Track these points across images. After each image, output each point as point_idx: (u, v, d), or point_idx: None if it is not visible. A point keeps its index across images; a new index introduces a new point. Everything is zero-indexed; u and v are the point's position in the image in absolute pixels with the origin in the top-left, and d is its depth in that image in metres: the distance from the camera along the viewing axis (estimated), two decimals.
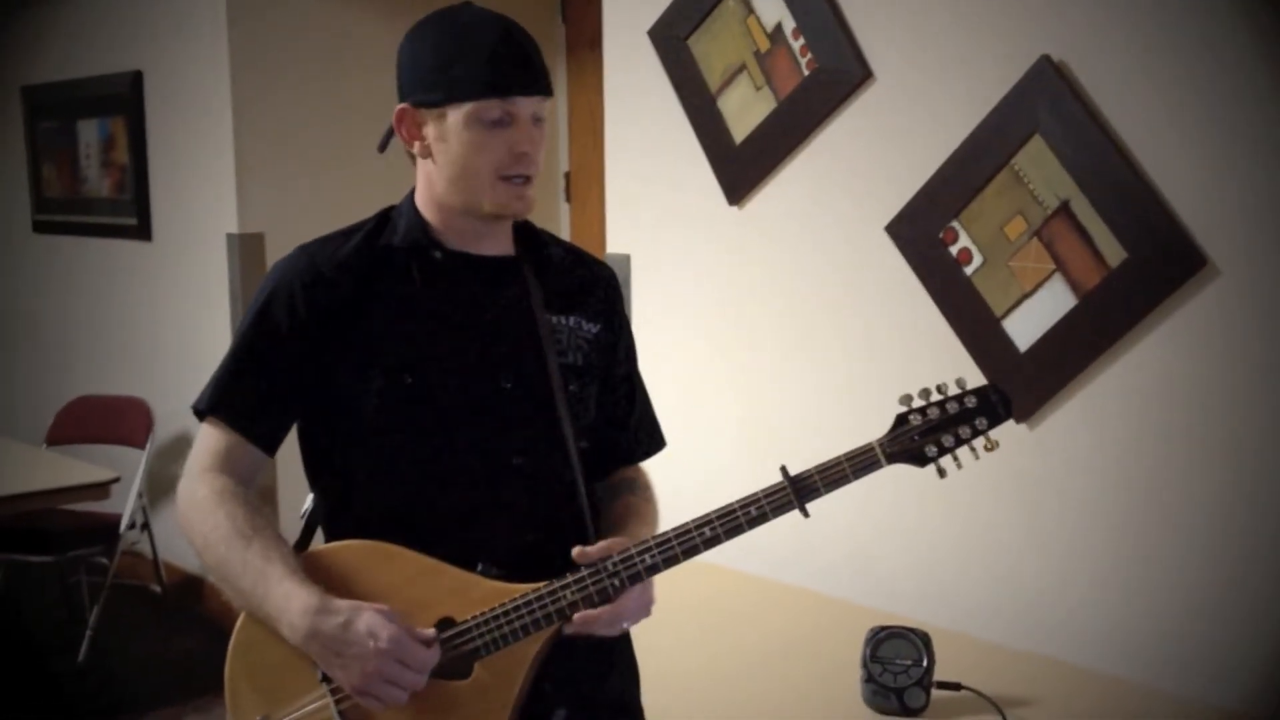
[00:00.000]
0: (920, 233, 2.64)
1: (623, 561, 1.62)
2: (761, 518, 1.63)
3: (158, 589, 4.90)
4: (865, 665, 2.15)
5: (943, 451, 1.63)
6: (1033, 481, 2.52)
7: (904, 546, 2.74)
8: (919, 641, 2.14)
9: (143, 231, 5.12)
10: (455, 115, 1.63)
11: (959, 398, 1.64)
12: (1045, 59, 2.40)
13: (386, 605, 1.57)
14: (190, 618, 4.89)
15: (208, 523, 1.61)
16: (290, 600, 1.56)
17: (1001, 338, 2.52)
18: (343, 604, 1.56)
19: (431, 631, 1.59)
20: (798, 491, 1.62)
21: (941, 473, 1.64)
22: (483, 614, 1.61)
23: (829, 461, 1.64)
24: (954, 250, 2.58)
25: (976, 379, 2.52)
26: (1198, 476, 2.30)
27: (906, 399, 1.65)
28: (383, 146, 1.76)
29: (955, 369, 2.58)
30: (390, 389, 1.65)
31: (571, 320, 1.77)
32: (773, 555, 2.85)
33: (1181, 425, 2.31)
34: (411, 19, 1.71)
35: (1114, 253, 2.35)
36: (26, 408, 5.85)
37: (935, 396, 1.64)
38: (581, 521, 1.73)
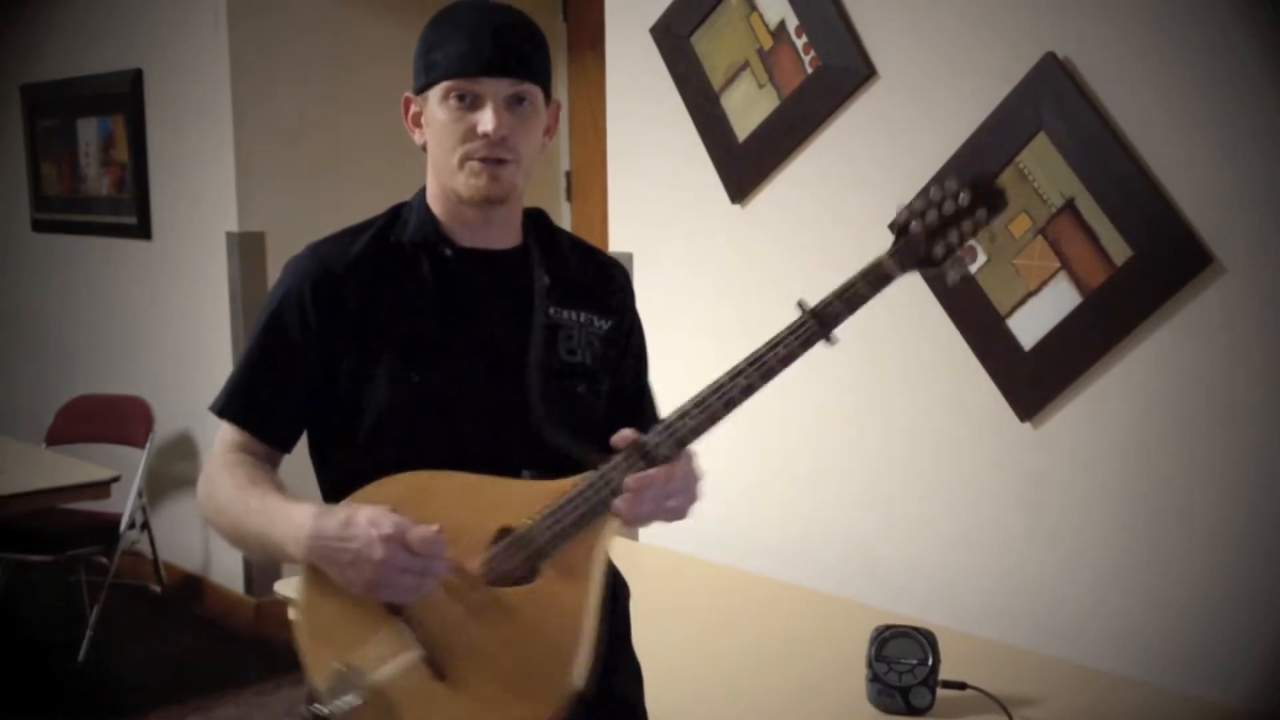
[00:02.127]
0: None
1: (665, 429, 1.59)
2: (790, 356, 1.62)
3: (157, 589, 4.90)
4: (870, 664, 2.14)
5: (949, 250, 1.60)
6: (1037, 480, 2.51)
7: (908, 545, 2.73)
8: (924, 641, 2.13)
9: (142, 230, 5.11)
10: (434, 97, 1.65)
11: (954, 194, 1.59)
12: (1050, 56, 2.40)
13: (447, 526, 1.54)
14: (190, 617, 4.89)
15: (220, 491, 1.63)
16: (292, 514, 1.56)
17: (1006, 336, 2.51)
18: (340, 508, 1.55)
19: (434, 526, 1.54)
20: (821, 320, 1.61)
21: (955, 274, 1.62)
22: (540, 513, 1.59)
23: (844, 284, 1.62)
24: None
25: (981, 378, 2.54)
26: (1202, 475, 2.29)
27: (901, 210, 1.61)
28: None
29: (959, 366, 2.58)
30: (396, 388, 1.64)
31: (582, 316, 1.76)
32: (777, 554, 2.85)
33: (1186, 423, 2.31)
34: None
35: (1119, 250, 2.35)
36: (26, 407, 5.84)
37: (932, 195, 1.60)
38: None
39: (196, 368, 4.91)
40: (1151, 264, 2.31)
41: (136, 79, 5.01)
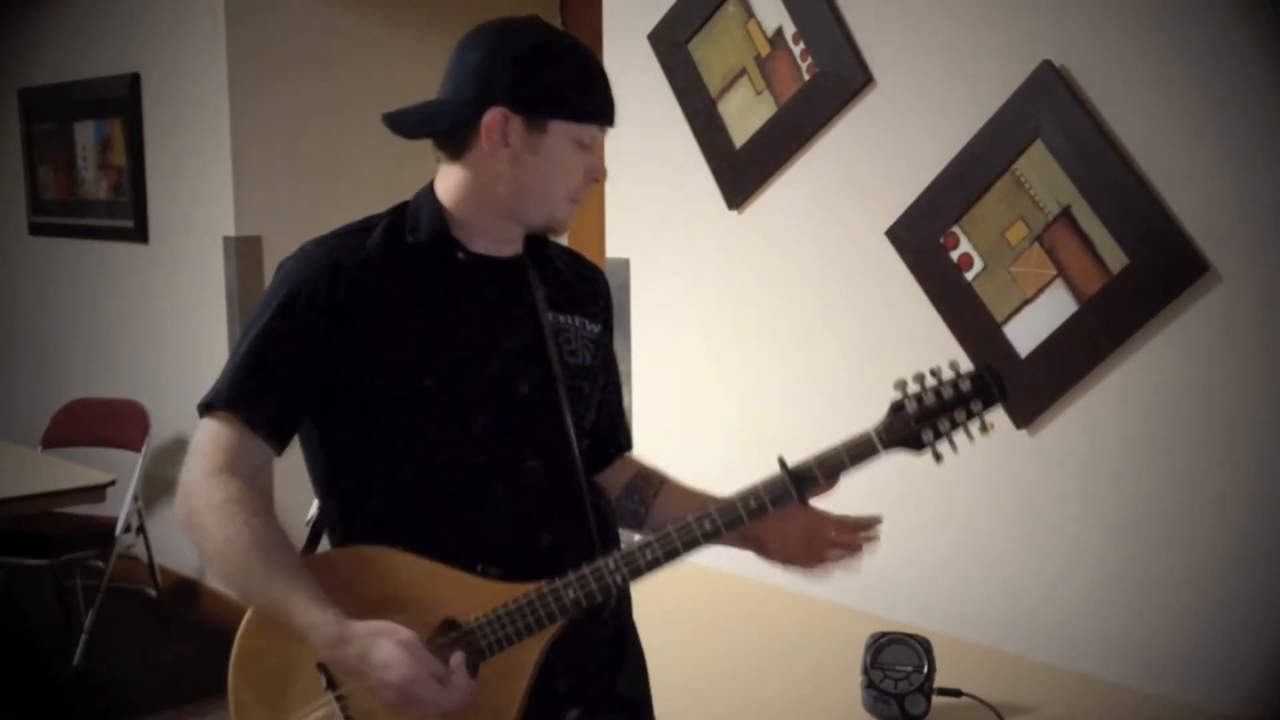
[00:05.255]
0: (921, 238, 2.63)
1: (624, 557, 1.62)
2: (761, 509, 1.64)
3: (153, 592, 4.90)
4: (866, 671, 2.14)
5: (939, 436, 1.63)
6: (1033, 487, 2.51)
7: (904, 552, 2.73)
8: (919, 648, 2.13)
9: (139, 234, 5.11)
10: (559, 132, 1.64)
11: (953, 382, 1.64)
12: (1047, 64, 2.40)
13: (393, 610, 1.56)
14: (186, 621, 4.88)
15: (224, 531, 1.56)
16: (312, 631, 1.53)
17: (1002, 343, 2.51)
18: (359, 632, 1.52)
19: (456, 659, 1.55)
20: (795, 482, 1.63)
21: (938, 457, 1.64)
22: (486, 615, 1.60)
23: (826, 451, 1.64)
24: (955, 255, 2.58)
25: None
26: (1197, 483, 2.29)
27: (900, 384, 1.65)
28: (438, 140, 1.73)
29: None
30: (409, 391, 1.64)
31: (576, 320, 1.78)
32: None
33: (1182, 432, 2.31)
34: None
35: (1115, 258, 2.35)
36: (22, 410, 5.83)
37: (930, 381, 1.65)
38: (584, 521, 1.73)
39: (193, 372, 4.90)
40: (1148, 272, 2.31)
41: (134, 83, 5.01)
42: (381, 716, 1.58)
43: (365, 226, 1.71)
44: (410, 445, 1.65)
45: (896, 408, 1.65)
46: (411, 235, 1.69)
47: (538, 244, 1.79)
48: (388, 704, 1.53)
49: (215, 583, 4.94)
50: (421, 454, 1.65)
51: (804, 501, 1.64)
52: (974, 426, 1.64)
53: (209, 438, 1.63)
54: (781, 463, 1.65)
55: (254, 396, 1.63)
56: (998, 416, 2.51)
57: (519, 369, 1.70)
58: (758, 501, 1.63)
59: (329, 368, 1.63)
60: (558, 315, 1.75)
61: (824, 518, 1.77)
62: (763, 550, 1.81)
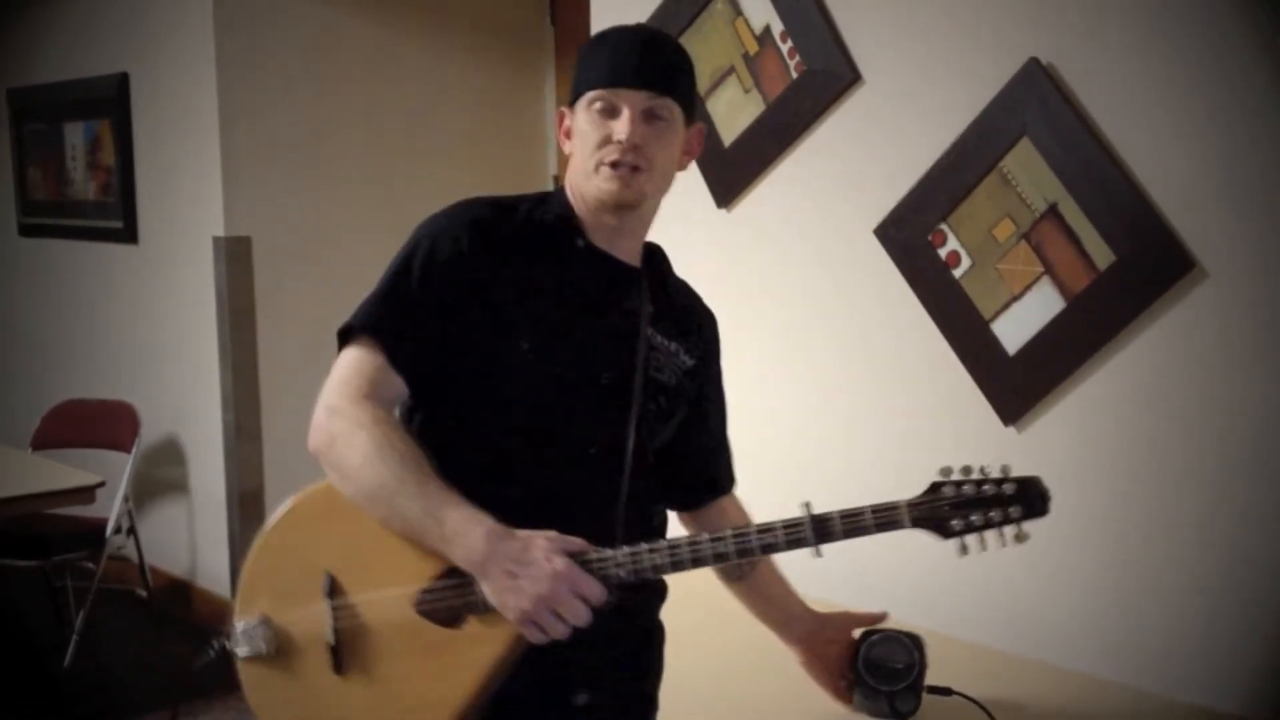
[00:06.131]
0: (909, 235, 2.64)
1: (631, 555, 1.63)
2: (774, 546, 1.66)
3: (144, 594, 4.89)
4: (856, 669, 2.14)
5: (969, 529, 1.63)
6: None
7: (896, 549, 2.73)
8: (911, 645, 2.13)
9: (129, 234, 5.11)
10: (580, 107, 1.73)
11: (999, 481, 1.63)
12: (1033, 61, 2.40)
13: (392, 554, 1.61)
14: (177, 622, 4.88)
15: (376, 446, 1.61)
16: (473, 525, 1.57)
17: (990, 340, 2.52)
18: (521, 534, 1.58)
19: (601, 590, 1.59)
20: (817, 531, 1.64)
21: (964, 550, 1.64)
22: None
23: (853, 509, 1.64)
24: (943, 253, 2.58)
25: (966, 382, 2.54)
26: (1187, 479, 2.30)
27: (946, 470, 1.65)
28: None
29: (944, 371, 2.59)
30: (505, 355, 1.68)
31: (673, 346, 1.83)
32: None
33: (1170, 428, 2.31)
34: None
35: (1102, 255, 2.36)
36: (12, 411, 5.82)
37: (976, 474, 1.64)
38: (613, 520, 1.74)
39: (183, 372, 4.90)
40: (1134, 269, 2.32)
41: (123, 83, 5.00)
42: (368, 633, 1.63)
43: (511, 203, 1.78)
44: (493, 400, 1.69)
45: (934, 488, 1.65)
46: (545, 215, 1.77)
47: (658, 264, 1.87)
48: (535, 601, 1.54)
49: (206, 583, 4.94)
50: (499, 411, 1.70)
51: (818, 551, 1.64)
52: (1009, 531, 1.63)
53: (351, 364, 1.69)
54: (807, 508, 1.65)
55: (397, 327, 1.69)
56: (985, 415, 2.53)
57: (607, 362, 1.74)
58: (773, 539, 1.65)
59: (454, 315, 1.68)
60: (655, 334, 1.80)
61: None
62: (813, 657, 2.12)
